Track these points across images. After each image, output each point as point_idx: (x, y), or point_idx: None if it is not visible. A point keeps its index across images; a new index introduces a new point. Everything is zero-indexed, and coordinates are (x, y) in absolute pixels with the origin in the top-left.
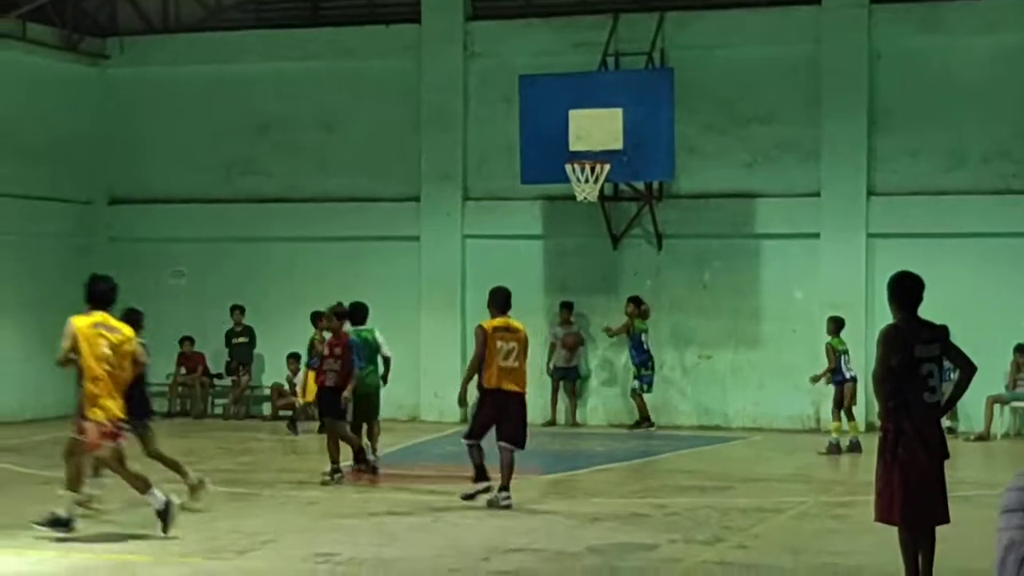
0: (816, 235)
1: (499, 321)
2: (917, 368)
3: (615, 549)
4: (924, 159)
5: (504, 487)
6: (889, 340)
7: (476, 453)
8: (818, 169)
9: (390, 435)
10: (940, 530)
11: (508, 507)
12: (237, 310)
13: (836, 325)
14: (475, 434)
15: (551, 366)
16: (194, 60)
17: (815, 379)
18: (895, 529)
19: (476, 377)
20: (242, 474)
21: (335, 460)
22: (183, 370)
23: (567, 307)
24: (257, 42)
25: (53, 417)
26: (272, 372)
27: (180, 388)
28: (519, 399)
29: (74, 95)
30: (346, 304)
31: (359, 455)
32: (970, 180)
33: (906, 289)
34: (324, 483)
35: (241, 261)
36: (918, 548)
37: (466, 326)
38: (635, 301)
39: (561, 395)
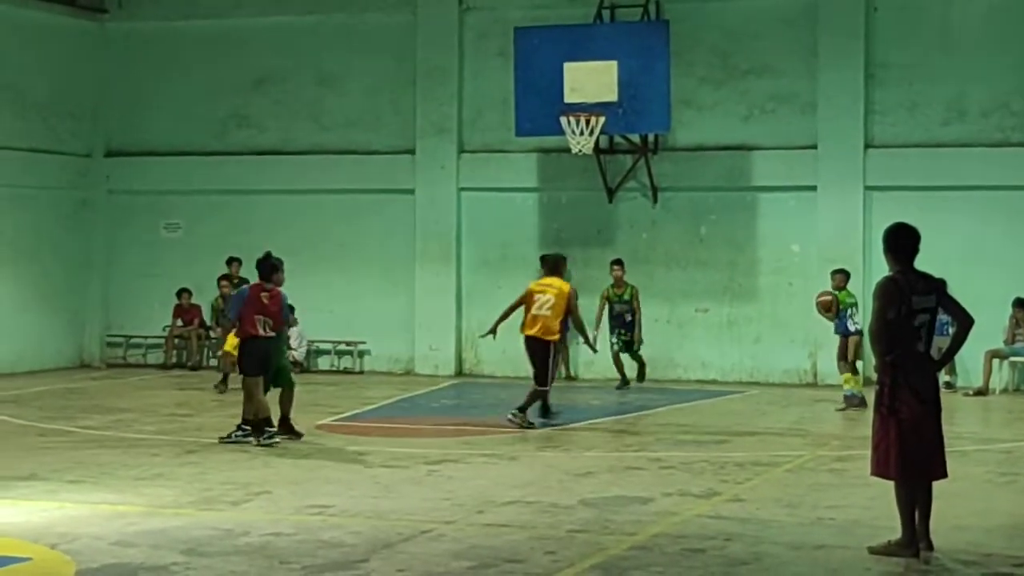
0: (813, 188)
1: (543, 279)
2: (913, 320)
3: (609, 502)
4: (922, 112)
5: (519, 407)
6: (887, 293)
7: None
8: (815, 121)
9: (386, 387)
10: (937, 485)
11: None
12: (235, 262)
13: (844, 278)
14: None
15: None
16: (191, 14)
17: (827, 307)
18: (892, 483)
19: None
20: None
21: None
22: (179, 322)
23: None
24: None
25: (51, 369)
26: None
27: (176, 340)
28: (540, 343)
29: (73, 49)
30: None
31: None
32: (969, 133)
33: (902, 241)
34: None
35: (237, 214)
36: (915, 503)
37: (461, 279)
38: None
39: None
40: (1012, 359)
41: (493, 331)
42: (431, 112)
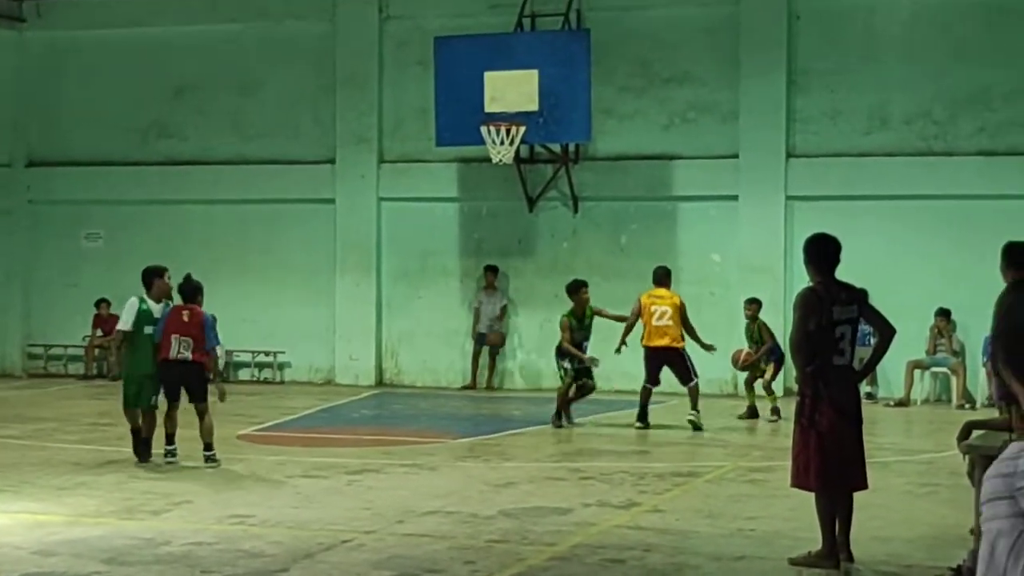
0: (734, 197)
1: (653, 291)
2: (834, 331)
3: (529, 513)
4: (844, 120)
5: (692, 407)
6: (807, 304)
7: (644, 394)
8: (736, 131)
9: (306, 397)
10: (859, 496)
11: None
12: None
13: (758, 307)
14: (649, 380)
15: (475, 332)
16: (110, 23)
17: (749, 363)
18: (812, 494)
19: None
20: (156, 436)
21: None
22: (99, 332)
23: (492, 271)
24: (173, 5)
25: None
26: None
27: (96, 350)
28: (673, 351)
29: None
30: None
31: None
32: (891, 142)
33: (823, 251)
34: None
35: (157, 224)
36: (835, 513)
37: (381, 289)
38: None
39: (483, 360)
40: (933, 369)
41: (619, 348)
42: (351, 121)
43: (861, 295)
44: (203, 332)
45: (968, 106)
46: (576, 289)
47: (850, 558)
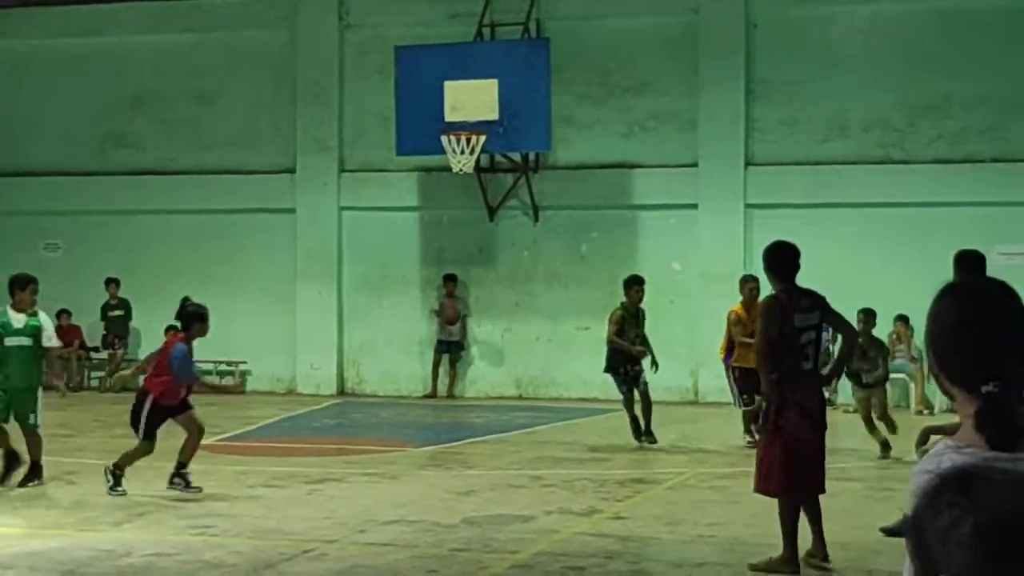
0: (694, 206)
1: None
2: (797, 338)
3: (491, 520)
4: (802, 129)
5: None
6: (770, 311)
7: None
8: (695, 139)
9: (268, 407)
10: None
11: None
12: (112, 283)
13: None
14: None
15: (437, 337)
16: (68, 33)
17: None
18: (774, 500)
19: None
20: (117, 447)
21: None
22: (59, 343)
23: (451, 280)
24: (132, 14)
25: None
26: (148, 345)
27: (57, 361)
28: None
29: None
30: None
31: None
32: (850, 150)
33: (782, 258)
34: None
35: (117, 234)
36: (798, 520)
37: (342, 298)
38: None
39: (443, 368)
40: (892, 375)
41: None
42: (312, 130)
43: (822, 301)
44: (167, 359)
45: (926, 114)
46: (628, 285)
47: (826, 559)
